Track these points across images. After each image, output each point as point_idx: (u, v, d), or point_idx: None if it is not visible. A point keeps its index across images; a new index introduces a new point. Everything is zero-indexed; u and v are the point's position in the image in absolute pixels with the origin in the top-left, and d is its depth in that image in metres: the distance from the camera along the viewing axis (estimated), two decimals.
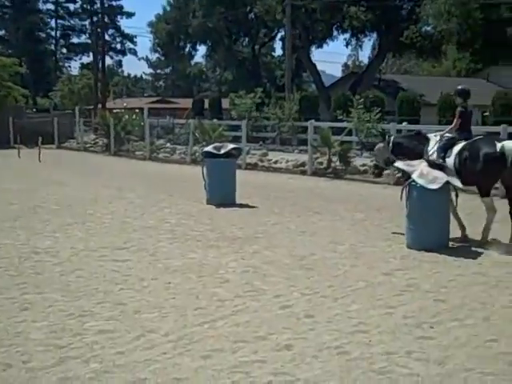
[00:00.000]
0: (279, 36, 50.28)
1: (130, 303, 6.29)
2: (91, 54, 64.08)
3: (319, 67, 47.23)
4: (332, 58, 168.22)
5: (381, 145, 10.76)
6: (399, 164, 9.50)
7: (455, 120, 9.70)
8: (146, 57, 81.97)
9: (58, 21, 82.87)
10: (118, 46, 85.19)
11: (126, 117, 30.08)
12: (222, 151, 13.30)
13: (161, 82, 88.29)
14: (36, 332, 5.43)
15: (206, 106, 39.33)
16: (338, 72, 76.94)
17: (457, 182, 8.88)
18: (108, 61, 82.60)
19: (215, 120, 27.12)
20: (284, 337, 5.33)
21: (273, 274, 7.44)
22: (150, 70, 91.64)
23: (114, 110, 35.30)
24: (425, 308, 6.14)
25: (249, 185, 15.60)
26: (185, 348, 5.07)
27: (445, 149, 9.54)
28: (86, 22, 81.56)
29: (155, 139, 27.66)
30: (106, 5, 77.57)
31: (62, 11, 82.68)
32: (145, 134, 26.60)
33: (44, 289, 6.79)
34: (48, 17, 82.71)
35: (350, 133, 21.00)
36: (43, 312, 5.99)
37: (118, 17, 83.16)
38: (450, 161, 9.35)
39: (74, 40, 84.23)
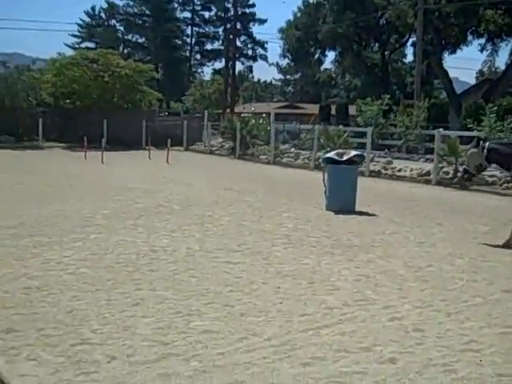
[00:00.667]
0: (410, 41, 49.26)
1: (237, 305, 6.31)
2: (223, 59, 65.75)
3: (451, 74, 45.86)
4: (466, 64, 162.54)
5: (474, 150, 10.15)
6: None
7: None
8: (277, 62, 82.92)
9: (194, 28, 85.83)
10: (250, 52, 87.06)
11: (253, 121, 30.54)
12: (345, 158, 13.14)
13: (290, 88, 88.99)
14: (143, 327, 5.55)
15: (333, 112, 39.18)
16: (471, 79, 74.38)
17: None
18: (239, 66, 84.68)
19: (341, 126, 26.95)
20: (389, 349, 5.14)
21: (385, 285, 7.23)
22: (280, 76, 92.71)
23: (242, 115, 35.93)
24: None
25: (370, 192, 15.33)
26: (286, 354, 5.00)
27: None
28: (220, 29, 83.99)
29: (280, 144, 27.84)
30: (240, 12, 79.64)
31: (197, 19, 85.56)
32: (270, 138, 26.85)
33: (157, 286, 6.95)
34: (184, 24, 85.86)
35: None
36: (153, 308, 6.12)
37: (251, 23, 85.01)
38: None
39: (208, 46, 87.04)
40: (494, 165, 10.36)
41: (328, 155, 13.96)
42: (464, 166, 10.66)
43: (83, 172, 20.62)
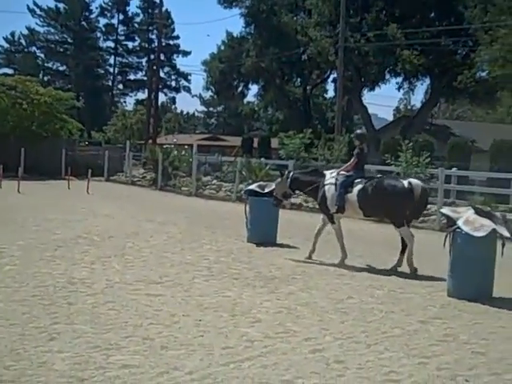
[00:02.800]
0: (331, 77, 50.41)
1: (157, 338, 6.20)
2: (146, 90, 65.52)
3: (371, 110, 47.13)
4: (384, 101, 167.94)
5: (279, 180, 12.18)
6: (445, 210, 9.44)
7: (352, 159, 11.18)
8: (200, 94, 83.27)
9: (117, 58, 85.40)
10: (173, 84, 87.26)
11: (175, 152, 30.45)
12: (266, 190, 13.19)
13: (213, 120, 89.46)
14: (60, 363, 5.37)
15: (256, 144, 39.51)
16: (389, 115, 76.55)
17: (504, 232, 8.58)
18: (162, 97, 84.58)
19: (263, 159, 27.13)
20: (311, 381, 5.17)
21: (306, 316, 7.27)
22: (203, 108, 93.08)
23: (164, 146, 35.78)
24: (461, 360, 5.88)
25: (291, 225, 15.46)
26: None
27: (345, 185, 10.80)
28: (143, 60, 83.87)
29: (202, 176, 27.81)
30: (164, 43, 79.82)
31: (121, 49, 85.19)
32: (192, 169, 26.79)
33: (74, 319, 6.76)
34: (107, 54, 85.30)
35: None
36: (70, 343, 5.93)
37: (175, 55, 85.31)
38: (353, 196, 10.71)
39: (131, 77, 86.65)
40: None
41: (250, 187, 14.06)
42: (274, 194, 12.28)
43: None
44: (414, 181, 10.66)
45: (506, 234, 8.59)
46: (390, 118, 67.75)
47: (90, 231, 13.44)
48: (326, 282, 9.26)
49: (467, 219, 8.57)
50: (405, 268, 10.32)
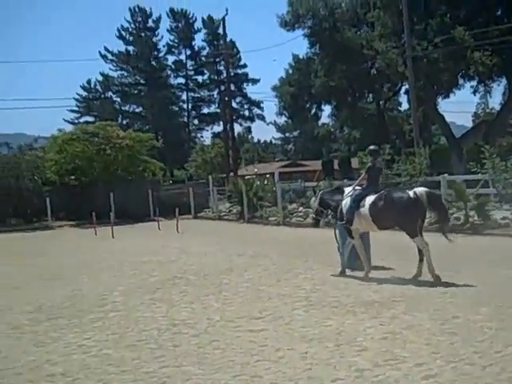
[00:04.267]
0: (403, 89, 49.70)
1: (266, 375, 6.23)
2: (221, 122, 66.45)
3: (448, 118, 46.11)
4: (461, 107, 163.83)
5: (313, 198, 12.91)
6: None
7: (363, 174, 11.86)
8: (274, 121, 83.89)
9: (189, 93, 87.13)
10: (246, 113, 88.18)
11: (258, 183, 30.57)
12: None
13: (290, 146, 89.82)
14: None
15: (336, 166, 39.31)
16: (468, 122, 74.61)
17: None
18: (238, 128, 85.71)
19: (345, 180, 26.95)
20: None
21: (413, 341, 7.13)
22: (279, 134, 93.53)
23: (246, 177, 36.09)
24: None
25: (385, 245, 15.24)
26: None
27: (357, 200, 11.37)
28: (215, 92, 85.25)
29: (288, 204, 27.77)
30: (232, 73, 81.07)
31: (191, 84, 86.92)
32: (277, 199, 26.85)
33: (182, 362, 6.88)
34: (179, 90, 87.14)
35: (486, 185, 20.13)
36: None
37: (244, 84, 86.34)
38: (365, 210, 11.20)
39: (205, 110, 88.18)
40: None
41: None
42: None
43: (95, 249, 20.61)
44: (419, 189, 10.97)
45: None
46: (470, 125, 66.02)
47: (185, 270, 13.68)
48: (427, 302, 9.06)
49: None
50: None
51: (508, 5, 37.75)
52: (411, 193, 10.79)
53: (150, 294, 11.08)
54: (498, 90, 49.60)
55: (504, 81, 42.70)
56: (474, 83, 43.22)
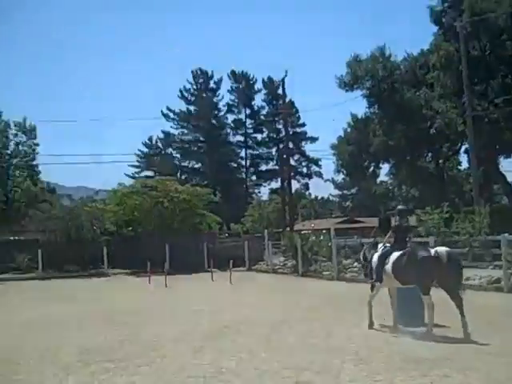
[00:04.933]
0: (463, 148, 49.13)
1: None
2: (279, 179, 66.79)
3: (510, 178, 45.26)
4: None
5: (361, 252, 13.69)
6: None
7: (389, 233, 12.15)
8: (332, 178, 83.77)
9: (248, 150, 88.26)
10: (304, 170, 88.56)
11: (313, 237, 30.52)
12: None
13: (348, 203, 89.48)
14: None
15: (393, 223, 38.78)
16: None
17: None
18: (295, 185, 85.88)
19: None
20: None
21: None
22: (337, 191, 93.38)
23: (302, 232, 36.00)
24: None
25: (440, 304, 14.88)
26: None
27: (383, 257, 11.81)
28: (273, 150, 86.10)
29: (343, 259, 27.54)
30: (291, 132, 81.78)
31: (250, 141, 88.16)
32: (332, 254, 26.66)
33: None
34: (238, 148, 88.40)
35: None
36: None
37: (303, 142, 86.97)
38: (389, 267, 11.58)
39: (263, 167, 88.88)
40: None
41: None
42: None
43: (148, 296, 20.81)
44: (441, 249, 11.13)
45: None
46: None
47: (235, 321, 13.60)
48: (480, 362, 8.73)
49: None
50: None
51: None
52: (432, 251, 11.02)
53: (198, 342, 11.04)
54: None
55: None
56: None
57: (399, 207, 13.04)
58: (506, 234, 20.20)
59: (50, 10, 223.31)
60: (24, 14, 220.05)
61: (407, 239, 12.04)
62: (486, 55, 39.41)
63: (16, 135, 55.13)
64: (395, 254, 11.61)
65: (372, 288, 12.45)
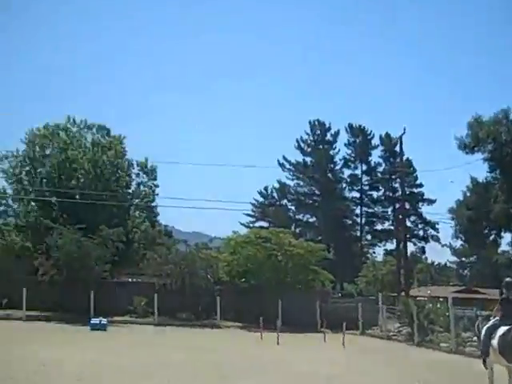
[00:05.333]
0: None
1: None
2: (394, 240, 65.24)
3: None
4: None
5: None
6: None
7: (497, 306, 11.82)
8: (450, 244, 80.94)
9: (363, 208, 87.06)
10: (421, 233, 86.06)
11: (430, 305, 29.41)
12: None
13: (466, 271, 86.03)
14: None
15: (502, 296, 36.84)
16: None
17: None
18: (411, 247, 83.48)
19: None
20: None
21: None
22: (454, 258, 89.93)
23: (417, 298, 34.85)
24: None
25: None
26: None
27: (489, 331, 11.42)
28: (389, 209, 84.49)
29: (461, 331, 26.22)
30: (408, 192, 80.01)
31: (366, 199, 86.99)
32: (450, 324, 25.51)
33: None
34: (353, 204, 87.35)
35: None
36: None
37: (420, 203, 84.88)
38: (495, 343, 11.15)
39: (378, 227, 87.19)
40: None
41: None
42: None
43: (258, 353, 20.68)
44: None
45: None
46: None
47: None
48: None
49: None
50: None
51: None
52: None
53: None
54: None
55: None
56: None
57: (507, 279, 12.61)
58: None
59: None
60: None
61: None
62: None
63: (138, 175, 56.10)
64: (502, 329, 11.22)
65: (484, 363, 12.00)
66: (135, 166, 54.23)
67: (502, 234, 55.22)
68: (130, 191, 53.59)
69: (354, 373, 16.42)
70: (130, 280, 38.80)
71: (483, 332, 11.88)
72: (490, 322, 11.81)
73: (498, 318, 11.68)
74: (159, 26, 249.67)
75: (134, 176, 54.55)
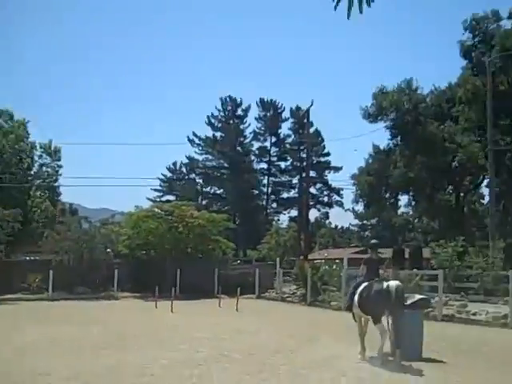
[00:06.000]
0: (485, 182, 48.73)
1: None
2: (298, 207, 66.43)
3: None
4: None
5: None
6: None
7: (361, 266, 12.73)
8: (352, 208, 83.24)
9: (270, 178, 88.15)
10: (325, 199, 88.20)
11: (326, 267, 30.23)
12: (409, 302, 12.65)
13: (367, 233, 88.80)
14: None
15: (407, 255, 38.56)
16: None
17: None
18: (315, 213, 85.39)
19: (414, 270, 26.40)
20: None
21: None
22: (357, 221, 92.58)
23: (315, 261, 35.71)
24: None
25: (441, 337, 14.63)
26: None
27: (354, 288, 12.48)
28: (295, 178, 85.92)
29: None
30: (315, 161, 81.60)
31: (274, 169, 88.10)
32: (341, 284, 26.36)
33: None
34: (261, 175, 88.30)
35: None
36: None
37: (326, 171, 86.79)
38: (356, 298, 12.15)
39: (284, 195, 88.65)
40: None
41: None
42: None
43: (151, 321, 20.67)
44: (392, 283, 11.72)
45: None
46: None
47: (232, 349, 13.41)
48: None
49: None
50: None
51: None
52: (385, 284, 11.62)
53: (190, 369, 10.88)
54: None
55: None
56: None
57: (372, 241, 14.35)
58: None
59: None
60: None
61: (378, 271, 12.75)
62: None
63: (41, 157, 56.00)
64: (363, 285, 12.17)
65: (353, 317, 12.77)
66: (38, 148, 54.20)
67: (400, 196, 57.32)
68: (32, 172, 53.25)
69: (241, 333, 16.72)
70: (27, 258, 37.84)
71: (350, 289, 12.87)
72: (357, 280, 12.66)
73: (362, 276, 12.62)
74: None
75: (36, 158, 54.35)
